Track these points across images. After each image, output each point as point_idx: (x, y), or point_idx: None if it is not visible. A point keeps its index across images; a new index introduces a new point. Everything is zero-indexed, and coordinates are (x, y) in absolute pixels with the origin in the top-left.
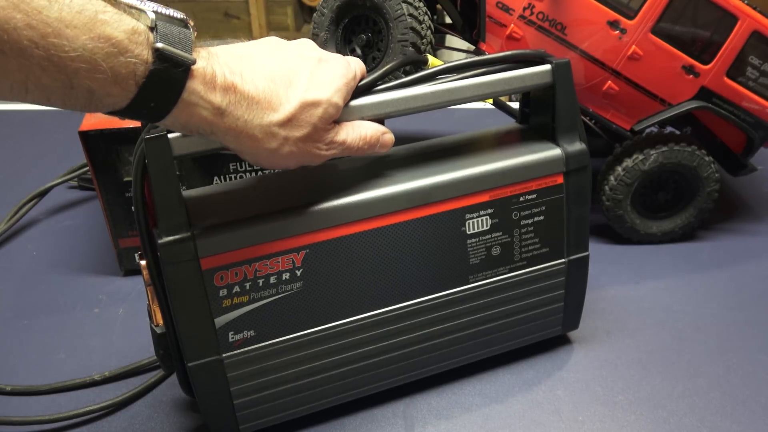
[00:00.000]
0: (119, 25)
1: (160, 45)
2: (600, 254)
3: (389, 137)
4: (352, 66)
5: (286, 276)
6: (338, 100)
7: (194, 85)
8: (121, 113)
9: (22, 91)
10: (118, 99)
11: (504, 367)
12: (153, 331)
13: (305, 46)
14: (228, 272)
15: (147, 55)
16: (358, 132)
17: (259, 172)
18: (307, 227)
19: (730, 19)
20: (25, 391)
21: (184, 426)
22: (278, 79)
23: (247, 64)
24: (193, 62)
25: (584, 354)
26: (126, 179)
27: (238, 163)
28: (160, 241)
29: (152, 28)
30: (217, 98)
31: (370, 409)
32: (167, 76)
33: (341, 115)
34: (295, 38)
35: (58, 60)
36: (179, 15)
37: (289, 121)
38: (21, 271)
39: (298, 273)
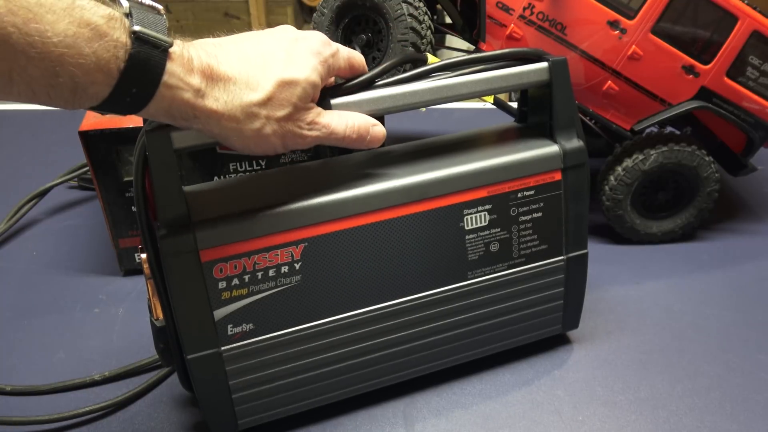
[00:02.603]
0: (96, 11)
1: (137, 28)
2: (600, 254)
3: (379, 130)
4: (334, 45)
5: (284, 269)
6: (316, 78)
7: (173, 67)
8: (105, 105)
9: (7, 83)
10: (101, 87)
11: (504, 366)
12: (153, 325)
13: (281, 28)
14: (227, 264)
15: (125, 38)
16: (344, 119)
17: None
18: (306, 220)
19: (730, 19)
20: (25, 391)
21: (185, 424)
22: (253, 59)
23: (221, 49)
24: (171, 44)
25: (584, 354)
26: (126, 179)
27: (237, 163)
28: (160, 233)
29: (127, 14)
30: (196, 80)
31: (369, 408)
32: (147, 58)
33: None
34: None
35: (42, 46)
36: (152, 3)
37: (269, 100)
38: (21, 271)
39: (297, 266)
